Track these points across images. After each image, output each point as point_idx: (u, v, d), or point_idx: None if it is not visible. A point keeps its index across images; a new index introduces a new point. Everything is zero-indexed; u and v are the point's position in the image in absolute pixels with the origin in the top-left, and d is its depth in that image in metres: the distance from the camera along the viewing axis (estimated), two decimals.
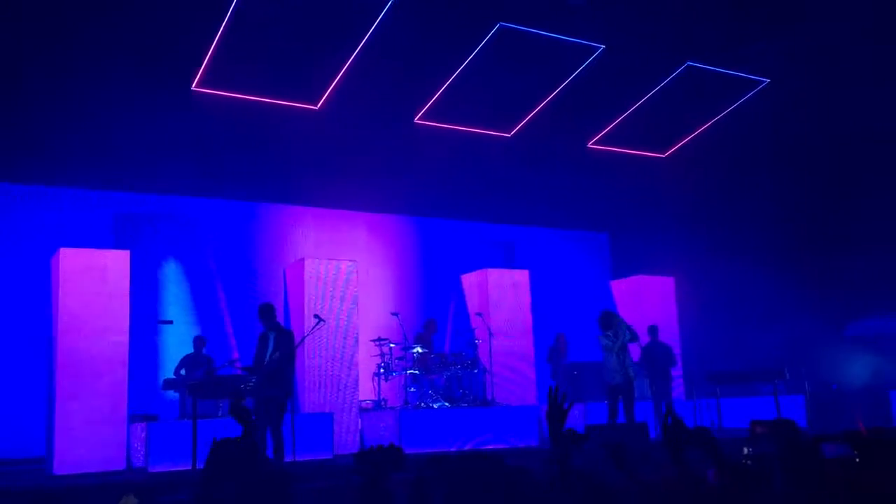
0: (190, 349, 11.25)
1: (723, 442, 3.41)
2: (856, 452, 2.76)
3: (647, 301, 13.80)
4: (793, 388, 13.15)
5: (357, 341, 10.92)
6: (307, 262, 10.89)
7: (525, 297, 12.34)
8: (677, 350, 13.21)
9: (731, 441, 5.88)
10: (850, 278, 14.22)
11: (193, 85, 10.91)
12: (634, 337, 10.23)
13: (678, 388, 12.95)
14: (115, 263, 9.58)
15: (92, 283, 9.38)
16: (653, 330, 12.35)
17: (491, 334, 11.76)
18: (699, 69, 12.48)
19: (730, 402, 12.91)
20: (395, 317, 12.03)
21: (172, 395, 11.06)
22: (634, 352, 11.12)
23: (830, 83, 12.57)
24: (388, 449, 3.09)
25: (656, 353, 12.19)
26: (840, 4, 10.75)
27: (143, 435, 9.23)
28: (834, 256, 14.27)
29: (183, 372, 11.01)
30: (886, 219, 13.89)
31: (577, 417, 10.71)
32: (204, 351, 11.30)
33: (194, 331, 11.71)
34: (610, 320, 10.16)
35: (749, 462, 3.04)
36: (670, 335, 13.27)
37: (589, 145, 13.96)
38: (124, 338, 9.51)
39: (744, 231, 14.52)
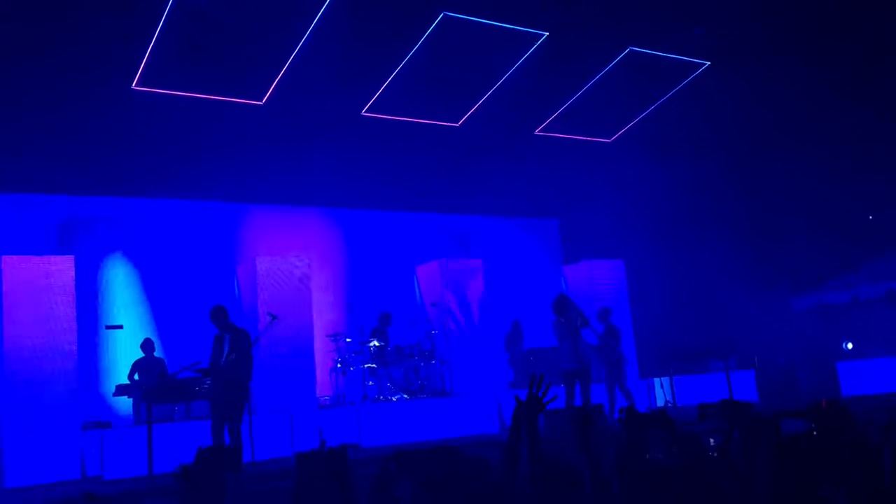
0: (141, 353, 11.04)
1: (679, 421, 3.49)
2: (813, 426, 2.85)
3: (599, 284, 13.97)
4: (743, 364, 13.46)
5: (312, 337, 10.85)
6: (258, 260, 10.77)
7: (479, 286, 12.39)
8: (629, 331, 13.40)
9: (687, 420, 6.01)
10: (793, 253, 14.62)
11: (134, 84, 10.68)
12: (585, 322, 10.28)
13: (632, 369, 13.13)
14: (60, 269, 9.38)
15: (37, 290, 9.18)
16: (602, 314, 11.75)
17: (447, 324, 11.79)
18: (641, 54, 12.63)
19: (683, 380, 13.17)
20: (350, 311, 11.96)
21: (126, 401, 10.85)
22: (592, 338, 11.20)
23: (768, 63, 12.86)
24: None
25: (608, 337, 12.13)
26: None
27: (97, 443, 9.05)
28: (777, 232, 14.65)
29: (137, 377, 10.79)
30: (825, 194, 14.31)
31: None
32: (155, 353, 11.10)
33: (146, 335, 11.49)
34: (563, 305, 10.22)
35: (713, 441, 3.11)
36: (622, 317, 13.43)
37: (536, 132, 14.05)
38: (73, 345, 9.33)
39: (690, 211, 14.80)
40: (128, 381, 10.80)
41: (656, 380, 13.21)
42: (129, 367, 10.92)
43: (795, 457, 2.50)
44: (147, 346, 11.05)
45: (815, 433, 2.79)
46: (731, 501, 2.68)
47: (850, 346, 14.83)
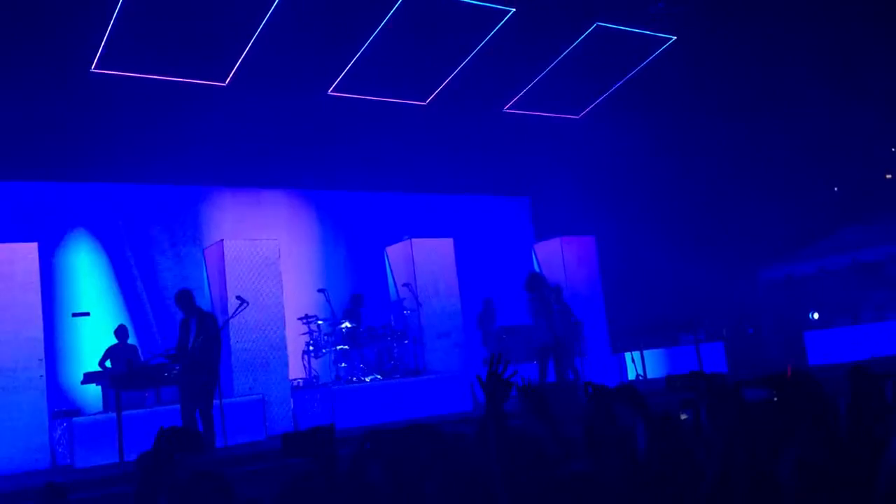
0: (111, 340, 10.92)
1: (648, 393, 3.51)
2: (774, 392, 2.88)
3: (571, 260, 14.01)
4: (712, 336, 13.62)
5: (283, 320, 10.77)
6: (226, 244, 10.64)
7: (451, 265, 12.36)
8: (601, 306, 13.49)
9: (657, 392, 6.06)
10: (761, 225, 14.77)
11: (93, 66, 10.46)
12: (559, 297, 10.39)
13: (603, 343, 13.23)
14: (23, 257, 9.21)
15: (0, 278, 9.00)
16: (555, 291, 11.22)
17: (419, 304, 11.76)
18: (608, 29, 12.62)
19: (653, 354, 13.30)
20: (321, 293, 11.89)
21: (95, 388, 10.72)
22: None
23: (734, 35, 12.91)
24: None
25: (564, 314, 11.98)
26: None
27: (67, 431, 8.94)
28: (744, 205, 14.78)
29: (108, 364, 10.68)
30: (791, 166, 14.46)
31: None
32: (129, 341, 10.98)
33: (115, 321, 11.35)
34: (535, 282, 10.27)
35: (685, 417, 3.15)
36: (593, 292, 13.52)
37: (505, 109, 14.01)
38: (39, 333, 9.19)
39: (659, 185, 14.88)
40: (99, 368, 10.68)
41: (627, 354, 13.33)
42: (102, 354, 10.81)
43: (756, 424, 2.52)
44: (121, 332, 10.94)
45: (775, 400, 2.83)
46: (698, 469, 2.70)
47: (816, 315, 15.06)
